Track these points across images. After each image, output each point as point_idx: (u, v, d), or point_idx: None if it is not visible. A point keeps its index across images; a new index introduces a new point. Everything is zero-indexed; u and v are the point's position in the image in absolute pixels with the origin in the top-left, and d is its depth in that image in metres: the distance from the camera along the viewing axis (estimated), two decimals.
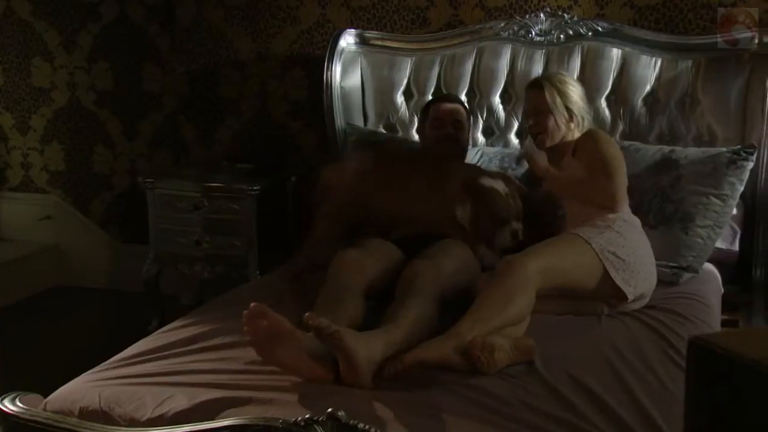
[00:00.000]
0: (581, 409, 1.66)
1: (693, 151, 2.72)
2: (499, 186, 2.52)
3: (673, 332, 2.09)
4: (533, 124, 2.55)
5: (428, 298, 2.07)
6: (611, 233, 2.28)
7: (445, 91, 3.15)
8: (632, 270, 2.24)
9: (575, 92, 2.55)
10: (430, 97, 3.13)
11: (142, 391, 1.76)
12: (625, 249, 2.26)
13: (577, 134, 2.54)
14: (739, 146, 2.69)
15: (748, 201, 2.82)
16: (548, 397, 1.71)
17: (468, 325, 1.90)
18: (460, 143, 2.80)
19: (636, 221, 2.42)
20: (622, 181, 2.42)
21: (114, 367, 1.92)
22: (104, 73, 3.86)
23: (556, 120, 2.51)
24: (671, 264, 2.52)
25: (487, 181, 2.53)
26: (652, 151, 2.75)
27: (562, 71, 2.85)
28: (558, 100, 2.50)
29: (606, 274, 2.21)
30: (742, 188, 2.64)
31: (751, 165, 2.65)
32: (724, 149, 2.70)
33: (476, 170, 2.71)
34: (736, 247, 2.74)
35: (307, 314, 1.75)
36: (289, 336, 1.76)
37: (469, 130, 2.90)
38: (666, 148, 2.76)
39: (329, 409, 1.50)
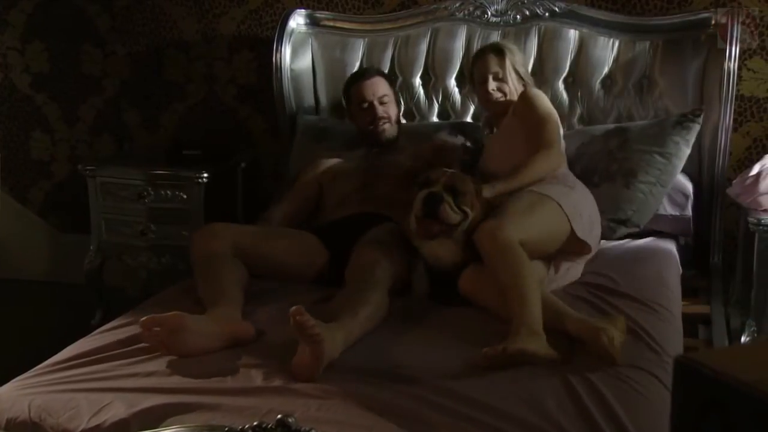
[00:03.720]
0: (546, 408, 1.60)
1: (645, 123, 2.77)
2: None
3: (634, 322, 2.03)
4: (497, 88, 2.57)
5: (383, 290, 2.09)
6: (565, 188, 2.33)
7: (399, 75, 3.06)
8: (591, 223, 2.34)
9: (520, 56, 2.67)
10: None
11: (78, 398, 1.66)
12: (583, 204, 2.34)
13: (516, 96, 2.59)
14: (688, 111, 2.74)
15: (706, 186, 2.80)
16: (510, 397, 1.64)
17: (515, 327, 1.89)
18: (392, 121, 2.76)
19: (579, 181, 2.48)
20: (556, 132, 2.47)
21: (47, 372, 1.79)
22: (40, 54, 3.66)
23: (514, 83, 2.58)
24: (611, 217, 2.57)
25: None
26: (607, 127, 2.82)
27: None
28: (511, 65, 2.58)
29: (571, 233, 2.26)
30: (688, 150, 2.68)
31: (698, 127, 2.70)
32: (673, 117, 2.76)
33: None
34: (689, 212, 2.72)
35: (294, 308, 1.74)
36: (186, 324, 1.85)
37: (397, 101, 2.85)
38: (622, 124, 2.82)
39: (279, 415, 1.43)
